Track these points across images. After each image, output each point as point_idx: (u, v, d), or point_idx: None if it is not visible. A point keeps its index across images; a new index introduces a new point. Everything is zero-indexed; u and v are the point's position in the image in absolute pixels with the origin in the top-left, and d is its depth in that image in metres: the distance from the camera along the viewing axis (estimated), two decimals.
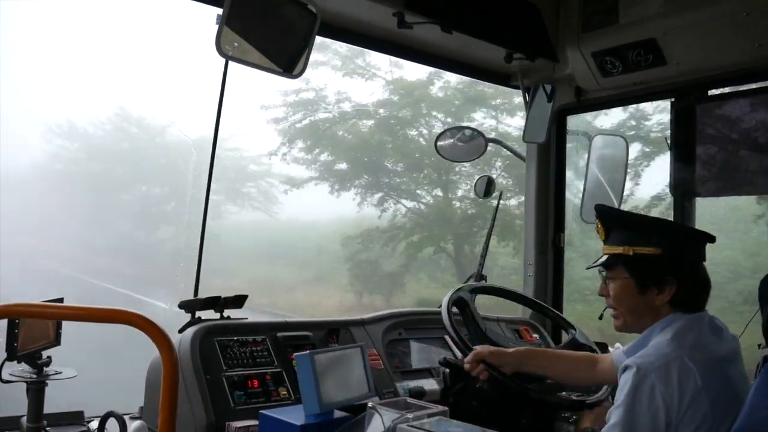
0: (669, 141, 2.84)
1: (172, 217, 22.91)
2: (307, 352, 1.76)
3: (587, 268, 1.90)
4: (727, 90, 2.66)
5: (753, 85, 2.56)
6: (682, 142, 2.78)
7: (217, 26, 2.12)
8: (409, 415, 1.54)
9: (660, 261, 1.74)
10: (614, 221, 1.85)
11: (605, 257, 1.84)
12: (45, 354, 2.09)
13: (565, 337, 2.73)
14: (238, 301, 2.39)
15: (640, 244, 1.75)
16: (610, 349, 2.75)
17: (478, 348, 2.16)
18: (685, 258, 1.76)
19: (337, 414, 1.80)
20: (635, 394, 1.58)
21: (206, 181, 2.53)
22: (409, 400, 1.73)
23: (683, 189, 2.77)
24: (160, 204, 23.92)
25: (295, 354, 1.84)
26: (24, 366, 2.04)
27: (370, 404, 1.61)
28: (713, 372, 1.62)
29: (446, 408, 1.66)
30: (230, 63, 2.30)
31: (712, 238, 1.79)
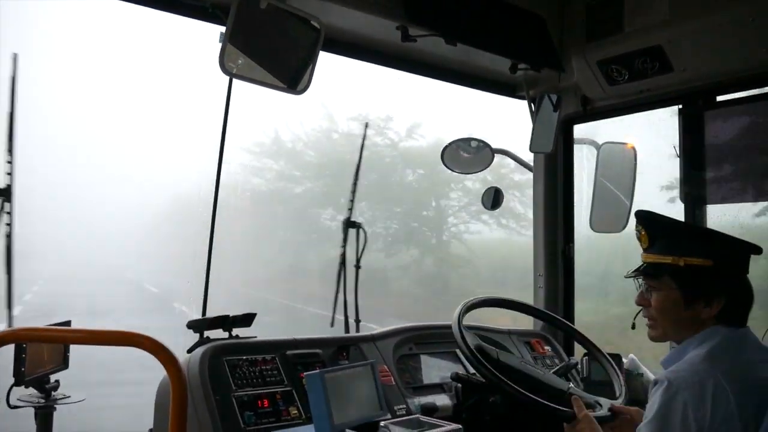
0: (677, 149, 2.81)
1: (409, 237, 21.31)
2: (317, 371, 1.74)
3: (626, 277, 1.81)
4: (735, 96, 2.63)
5: (762, 90, 2.52)
6: (691, 149, 2.75)
7: (221, 44, 2.11)
8: None
9: (711, 273, 1.66)
10: (661, 228, 1.75)
11: (646, 266, 1.76)
12: (53, 378, 2.07)
13: (578, 350, 2.70)
14: (246, 319, 2.37)
15: (690, 255, 1.67)
16: (624, 360, 2.71)
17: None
18: (734, 271, 1.69)
19: None
20: (667, 411, 1.53)
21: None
22: (422, 418, 1.70)
23: (694, 196, 2.73)
24: (398, 222, 22.03)
25: (305, 373, 1.82)
26: (32, 390, 2.03)
27: (382, 423, 1.58)
28: (752, 394, 1.54)
29: (460, 426, 1.62)
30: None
31: (758, 250, 1.72)
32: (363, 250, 2.99)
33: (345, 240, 2.97)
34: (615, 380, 2.36)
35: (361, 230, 2.98)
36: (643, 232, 1.78)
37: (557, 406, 2.06)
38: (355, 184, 3.09)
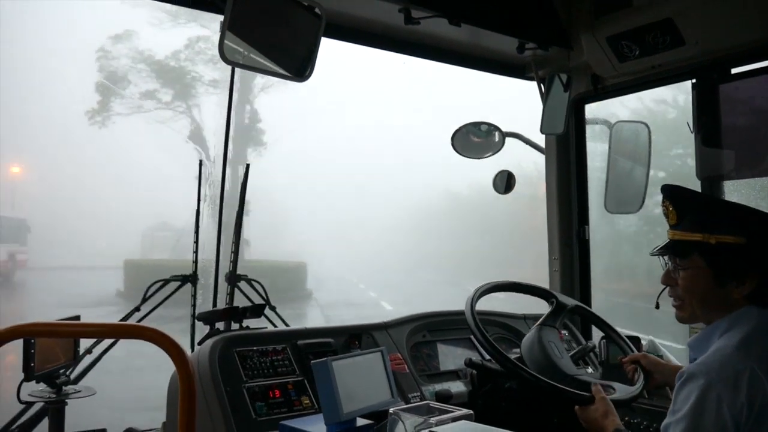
0: (691, 125, 2.74)
1: None
2: (325, 359, 1.71)
3: (651, 255, 1.72)
4: (751, 67, 2.55)
5: None
6: (706, 125, 2.67)
7: (220, 33, 2.08)
8: (432, 420, 1.48)
9: (743, 252, 1.57)
10: (690, 204, 1.66)
11: (674, 243, 1.67)
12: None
13: (596, 333, 2.65)
14: (257, 310, 2.36)
15: (721, 232, 1.58)
16: (642, 342, 2.66)
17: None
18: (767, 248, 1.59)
19: (360, 422, 1.75)
20: (701, 406, 1.45)
21: None
22: (432, 404, 1.67)
23: (711, 173, 2.66)
24: None
25: (312, 361, 1.79)
26: (43, 385, 2.03)
27: (391, 410, 1.55)
28: None
29: (470, 411, 1.59)
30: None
31: None
32: None
33: None
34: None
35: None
36: (670, 208, 1.69)
37: (574, 390, 2.02)
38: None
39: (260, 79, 24.80)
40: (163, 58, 24.40)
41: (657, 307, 1.80)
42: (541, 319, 2.43)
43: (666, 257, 1.72)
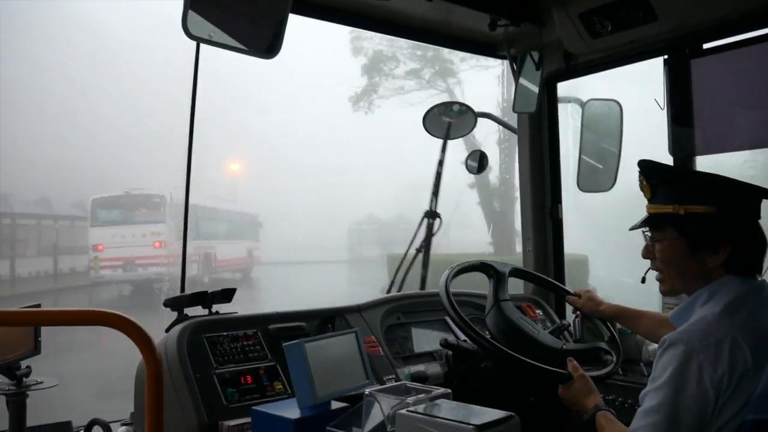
0: (660, 101, 2.72)
1: None
2: (297, 340, 1.66)
3: (630, 230, 1.75)
4: (722, 42, 2.54)
5: (749, 35, 2.44)
6: (678, 100, 2.66)
7: (183, 6, 2.00)
8: (409, 400, 1.44)
9: (714, 220, 1.59)
10: (661, 177, 1.68)
11: (649, 217, 1.70)
12: (24, 364, 1.98)
13: (570, 312, 2.64)
14: (227, 294, 2.29)
15: (691, 202, 1.60)
16: None
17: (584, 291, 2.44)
18: (741, 216, 1.61)
19: (334, 405, 1.70)
20: (682, 375, 1.45)
21: None
22: (409, 384, 1.62)
23: (682, 149, 2.65)
24: None
25: (284, 344, 1.74)
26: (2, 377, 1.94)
27: (367, 391, 1.51)
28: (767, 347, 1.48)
29: (449, 390, 1.55)
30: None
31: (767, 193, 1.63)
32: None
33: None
34: (608, 339, 2.32)
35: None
36: (644, 183, 1.71)
37: (551, 368, 2.00)
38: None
39: None
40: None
41: (643, 281, 1.82)
42: (491, 296, 2.37)
43: (646, 231, 1.73)
